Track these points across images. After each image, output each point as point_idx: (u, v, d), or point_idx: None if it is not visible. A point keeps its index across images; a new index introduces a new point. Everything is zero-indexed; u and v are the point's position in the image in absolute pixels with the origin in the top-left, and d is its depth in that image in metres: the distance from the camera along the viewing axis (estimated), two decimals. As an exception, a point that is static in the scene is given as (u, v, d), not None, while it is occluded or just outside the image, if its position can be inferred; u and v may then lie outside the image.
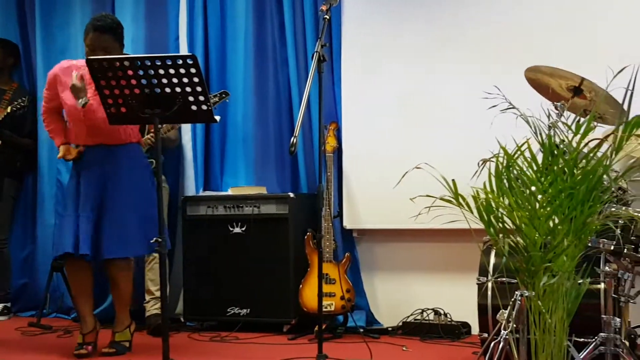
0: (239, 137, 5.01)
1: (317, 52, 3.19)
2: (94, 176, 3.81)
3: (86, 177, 3.82)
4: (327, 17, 3.26)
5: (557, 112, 3.07)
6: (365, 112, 4.68)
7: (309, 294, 4.34)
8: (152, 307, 4.61)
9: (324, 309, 4.18)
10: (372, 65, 4.67)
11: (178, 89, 3.15)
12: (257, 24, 4.97)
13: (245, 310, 4.53)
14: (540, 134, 2.33)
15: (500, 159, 2.30)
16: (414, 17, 4.59)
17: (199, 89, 3.14)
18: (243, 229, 4.57)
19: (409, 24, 4.60)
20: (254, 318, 4.52)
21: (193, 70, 3.10)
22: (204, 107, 3.20)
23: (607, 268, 3.03)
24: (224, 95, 4.40)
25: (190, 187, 5.09)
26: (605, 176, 2.23)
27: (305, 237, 4.45)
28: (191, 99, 3.18)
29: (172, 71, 3.10)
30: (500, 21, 4.36)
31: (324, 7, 3.29)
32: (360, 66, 4.70)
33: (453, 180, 2.34)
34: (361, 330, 4.33)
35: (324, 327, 3.93)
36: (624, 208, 2.95)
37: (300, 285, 4.40)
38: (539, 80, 3.39)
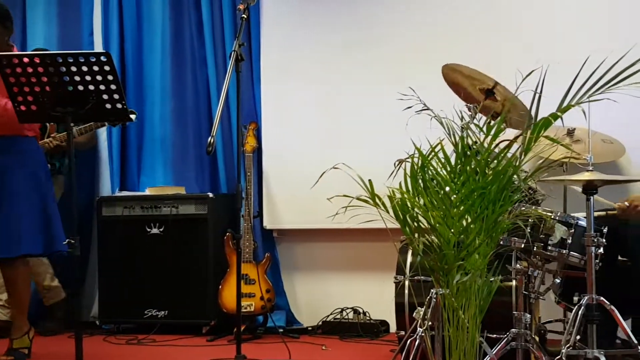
0: (156, 137, 4.93)
1: (234, 51, 3.17)
2: None
3: None
4: (245, 16, 3.24)
5: (470, 113, 3.13)
6: (285, 112, 4.69)
7: (228, 295, 4.31)
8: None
9: (243, 310, 4.19)
10: (291, 65, 4.68)
11: (91, 87, 3.07)
12: (174, 22, 4.91)
13: (163, 312, 4.46)
14: (454, 135, 2.37)
15: (416, 160, 2.33)
16: (332, 17, 4.63)
17: (113, 87, 3.07)
18: (161, 229, 4.50)
19: (327, 25, 4.63)
20: (172, 320, 4.46)
21: (107, 68, 3.03)
22: (119, 105, 3.13)
23: (517, 266, 3.12)
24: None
25: (106, 187, 4.97)
26: (515, 176, 2.29)
27: (225, 237, 4.42)
28: (105, 97, 3.10)
29: (85, 68, 3.02)
30: (416, 23, 4.45)
31: (241, 7, 3.28)
32: (280, 66, 4.70)
33: (370, 180, 2.36)
34: (280, 330, 4.33)
35: (243, 328, 3.92)
36: (533, 207, 3.04)
37: (220, 286, 4.37)
38: (455, 79, 3.45)
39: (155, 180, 4.91)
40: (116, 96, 3.11)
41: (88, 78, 3.05)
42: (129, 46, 4.96)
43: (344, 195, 2.30)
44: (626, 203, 3.14)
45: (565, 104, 2.15)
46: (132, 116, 3.23)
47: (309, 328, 4.58)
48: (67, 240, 3.03)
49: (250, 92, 4.74)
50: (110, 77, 3.06)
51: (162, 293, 4.46)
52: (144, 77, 4.95)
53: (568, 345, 2.78)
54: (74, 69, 3.03)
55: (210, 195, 4.52)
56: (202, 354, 3.84)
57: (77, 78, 3.05)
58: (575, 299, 2.89)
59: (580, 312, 2.78)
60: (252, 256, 4.38)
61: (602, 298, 2.79)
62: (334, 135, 4.56)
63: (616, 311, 2.80)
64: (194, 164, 4.89)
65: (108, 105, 3.14)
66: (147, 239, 4.50)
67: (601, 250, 2.90)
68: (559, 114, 2.15)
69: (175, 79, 4.90)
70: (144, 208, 4.54)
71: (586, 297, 2.80)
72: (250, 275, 4.34)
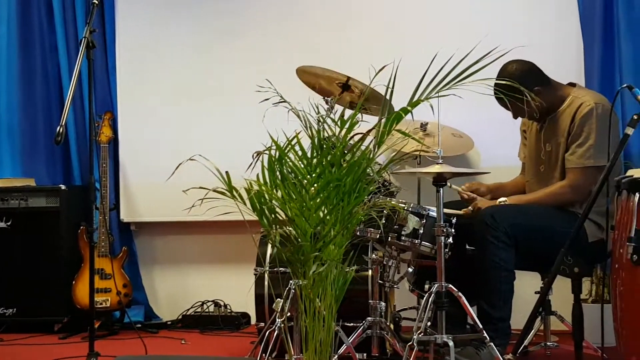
0: (3, 127, 4.68)
1: (85, 37, 3.03)
2: None
3: None
4: (96, 1, 3.11)
5: (327, 106, 3.18)
6: (141, 102, 4.59)
7: (82, 290, 4.18)
8: None
9: (98, 305, 4.09)
10: (149, 53, 4.59)
11: None
12: (21, 6, 4.67)
13: (11, 310, 4.27)
14: (310, 128, 2.39)
15: (273, 152, 2.33)
16: (192, 5, 4.56)
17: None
18: (8, 223, 4.30)
19: (186, 12, 4.57)
20: (22, 318, 4.27)
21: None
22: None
23: (373, 256, 3.21)
24: None
25: (-53, 180, 4.66)
26: (369, 168, 2.34)
27: (79, 231, 4.26)
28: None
29: None
30: (278, 18, 4.47)
31: (91, -10, 3.15)
32: (137, 54, 4.59)
33: (227, 172, 2.33)
34: (138, 325, 4.23)
35: (98, 324, 3.80)
36: (388, 199, 3.13)
37: (73, 282, 4.21)
38: (310, 78, 3.51)
39: (2, 171, 4.66)
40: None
41: None
42: (-28, 33, 4.67)
43: (200, 187, 2.27)
44: (470, 208, 3.29)
45: (415, 98, 2.22)
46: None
47: (169, 322, 4.51)
48: None
49: (105, 80, 4.60)
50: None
51: (11, 290, 4.27)
52: (-12, 64, 4.67)
53: (419, 331, 2.88)
54: None
55: (63, 187, 4.35)
56: (53, 353, 3.68)
57: None
58: (427, 286, 3.00)
59: (430, 299, 2.89)
60: (108, 250, 4.26)
61: (450, 285, 2.91)
62: (192, 126, 4.51)
63: (463, 297, 2.93)
64: (44, 155, 4.68)
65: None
66: (-8, 234, 4.28)
67: (450, 239, 3.02)
68: (409, 108, 2.21)
69: (24, 65, 4.66)
70: (-11, 201, 4.31)
71: (436, 285, 2.91)
72: (105, 269, 4.22)
